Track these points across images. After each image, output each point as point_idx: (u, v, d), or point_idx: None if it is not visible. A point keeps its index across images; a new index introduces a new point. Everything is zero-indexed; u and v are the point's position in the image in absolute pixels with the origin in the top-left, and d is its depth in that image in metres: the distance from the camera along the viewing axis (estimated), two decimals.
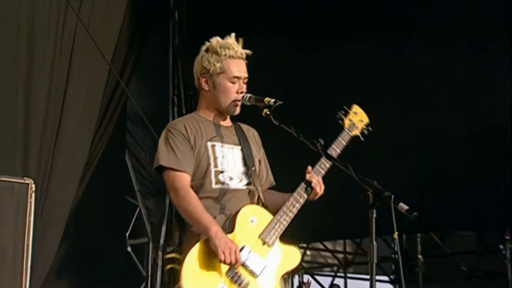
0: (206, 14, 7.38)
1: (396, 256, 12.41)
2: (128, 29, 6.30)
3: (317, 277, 11.80)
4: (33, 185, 3.83)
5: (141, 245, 7.54)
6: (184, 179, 2.64)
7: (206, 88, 2.86)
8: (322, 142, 2.71)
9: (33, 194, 3.81)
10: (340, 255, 12.06)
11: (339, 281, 11.64)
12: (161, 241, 7.56)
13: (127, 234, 7.34)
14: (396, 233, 2.51)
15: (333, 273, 12.16)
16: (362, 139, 3.04)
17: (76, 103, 5.33)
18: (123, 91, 6.39)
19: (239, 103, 2.83)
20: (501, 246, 8.99)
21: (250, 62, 3.06)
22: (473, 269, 9.38)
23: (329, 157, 2.72)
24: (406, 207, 2.55)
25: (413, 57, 6.41)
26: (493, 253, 9.26)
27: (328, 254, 12.20)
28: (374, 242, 2.48)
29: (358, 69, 6.60)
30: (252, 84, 3.04)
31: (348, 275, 12.24)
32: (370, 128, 3.07)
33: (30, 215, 3.82)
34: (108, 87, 5.97)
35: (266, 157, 2.99)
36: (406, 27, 6.47)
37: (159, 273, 7.56)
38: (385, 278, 12.40)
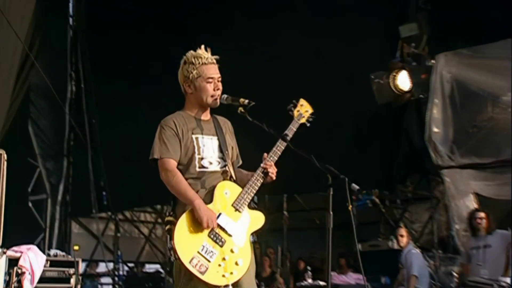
0: None
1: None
2: (36, 11, 7.03)
3: None
4: (5, 155, 4.32)
5: (41, 201, 8.47)
6: (172, 163, 3.21)
7: (190, 91, 3.33)
8: (289, 134, 3.30)
9: (5, 162, 4.31)
10: None
11: None
12: (59, 198, 8.55)
13: (29, 190, 8.27)
14: (351, 206, 3.10)
15: None
16: (308, 125, 3.44)
17: None
18: (30, 67, 7.16)
19: (217, 98, 3.31)
20: (347, 204, 10.67)
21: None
22: (325, 221, 10.86)
23: (296, 148, 3.24)
24: (357, 187, 3.07)
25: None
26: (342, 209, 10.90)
27: None
28: (331, 212, 3.17)
29: None
30: None
31: None
32: (313, 116, 3.44)
33: (2, 180, 4.30)
34: (19, 64, 6.73)
35: (236, 143, 3.48)
36: None
37: (56, 224, 8.54)
38: None
